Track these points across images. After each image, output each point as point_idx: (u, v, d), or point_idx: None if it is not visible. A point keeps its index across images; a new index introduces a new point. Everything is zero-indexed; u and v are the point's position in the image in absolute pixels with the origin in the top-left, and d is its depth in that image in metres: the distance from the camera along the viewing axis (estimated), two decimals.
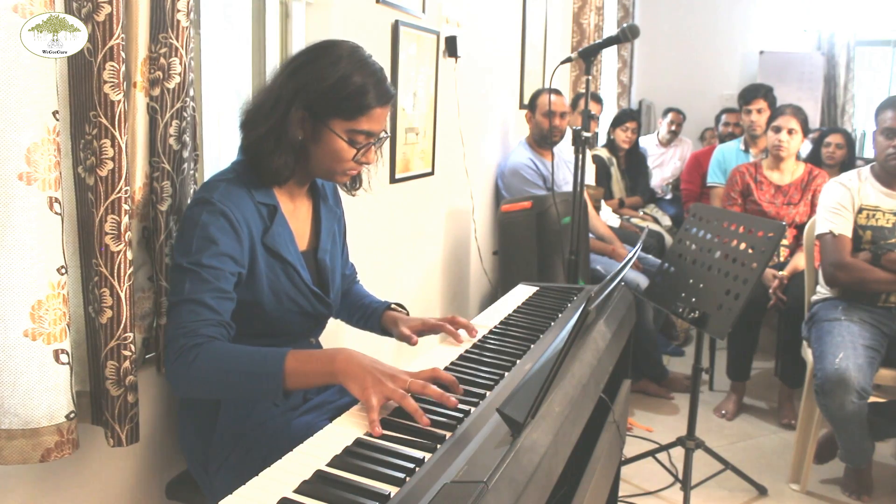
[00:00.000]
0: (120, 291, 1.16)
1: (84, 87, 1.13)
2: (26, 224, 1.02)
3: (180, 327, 1.18)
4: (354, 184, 1.48)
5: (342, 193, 1.55)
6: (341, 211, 1.57)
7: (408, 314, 1.61)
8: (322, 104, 1.27)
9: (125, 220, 1.16)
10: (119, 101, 1.12)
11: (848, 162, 3.96)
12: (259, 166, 1.31)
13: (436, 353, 1.37)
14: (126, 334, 1.18)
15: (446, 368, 1.28)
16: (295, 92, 1.27)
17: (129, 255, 1.18)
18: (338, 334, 2.02)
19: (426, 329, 1.52)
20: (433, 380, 1.13)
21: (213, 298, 1.20)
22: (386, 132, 1.38)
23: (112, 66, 1.11)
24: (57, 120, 1.05)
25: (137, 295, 1.31)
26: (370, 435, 1.01)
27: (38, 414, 1.08)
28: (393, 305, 1.60)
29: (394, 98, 1.36)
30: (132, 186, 1.26)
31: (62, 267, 1.08)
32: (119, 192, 1.14)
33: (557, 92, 3.30)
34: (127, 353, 1.19)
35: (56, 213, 1.06)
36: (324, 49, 1.31)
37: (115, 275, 1.16)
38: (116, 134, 1.12)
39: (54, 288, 1.07)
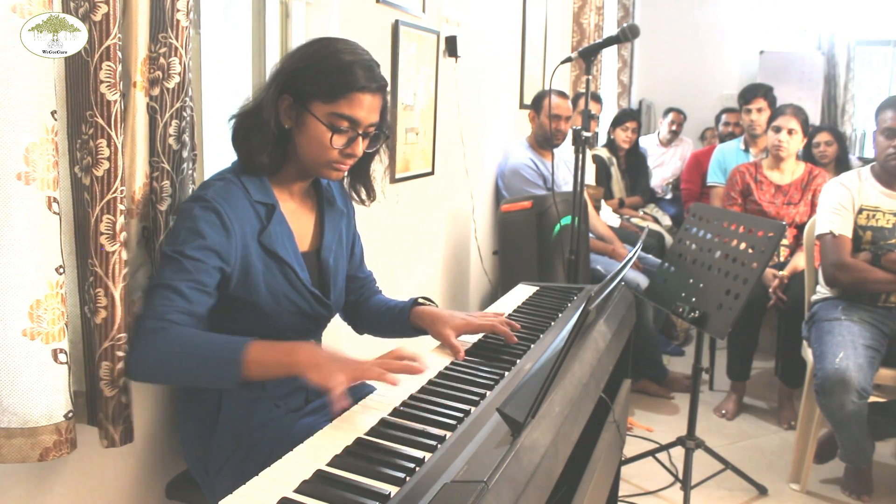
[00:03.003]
0: (114, 292, 1.16)
1: (81, 87, 1.12)
2: (25, 224, 1.02)
3: (149, 310, 1.17)
4: (369, 194, 1.46)
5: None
6: (352, 210, 1.53)
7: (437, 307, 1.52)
8: (304, 84, 1.26)
9: (121, 220, 1.16)
10: (115, 101, 1.12)
11: (842, 157, 3.95)
12: (237, 148, 1.31)
13: (436, 353, 1.37)
14: (120, 335, 1.18)
15: (446, 368, 1.28)
16: (278, 74, 1.28)
17: (125, 256, 1.18)
18: (338, 336, 2.02)
19: (471, 331, 1.43)
20: (397, 358, 1.17)
21: (189, 288, 1.18)
22: (381, 129, 1.34)
23: (108, 65, 1.11)
24: (55, 120, 1.05)
25: (137, 295, 1.30)
26: (370, 435, 1.01)
27: (36, 413, 1.08)
28: (420, 300, 1.51)
29: (384, 89, 1.31)
30: (132, 186, 1.26)
31: (60, 266, 1.08)
32: (115, 192, 1.14)
33: (563, 95, 3.29)
34: (121, 353, 1.19)
35: (54, 212, 1.06)
36: (315, 40, 1.32)
37: (110, 275, 1.15)
38: (112, 134, 1.12)
39: (52, 287, 1.07)
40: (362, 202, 1.48)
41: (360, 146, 1.31)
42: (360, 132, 1.29)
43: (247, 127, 1.29)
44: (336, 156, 1.29)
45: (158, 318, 1.16)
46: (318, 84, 1.25)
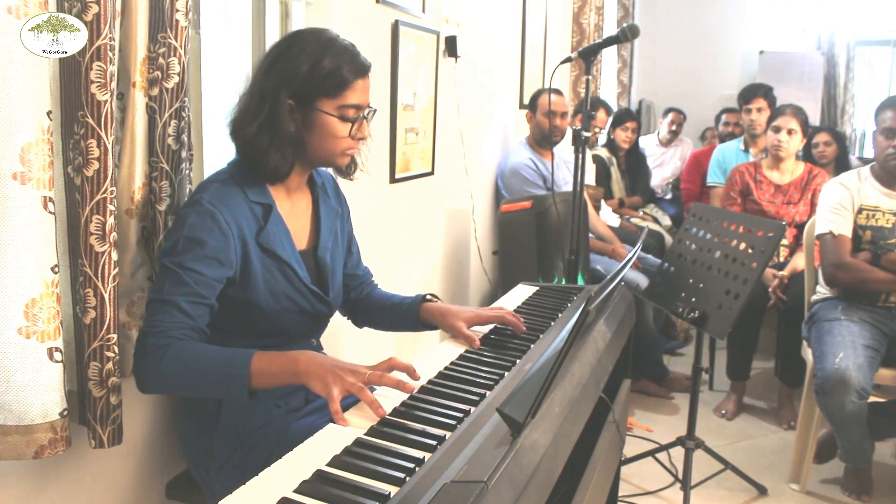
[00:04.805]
0: (104, 292, 1.15)
1: (73, 88, 1.12)
2: (21, 223, 1.02)
3: (152, 326, 1.19)
4: (350, 168, 1.46)
5: (344, 188, 1.54)
6: (346, 209, 1.55)
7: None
8: (305, 89, 1.28)
9: (111, 220, 1.15)
10: (105, 102, 1.11)
11: (841, 157, 3.95)
12: (257, 166, 1.30)
13: (436, 353, 1.37)
14: (109, 335, 1.17)
15: (446, 368, 1.28)
16: (276, 85, 1.28)
17: (115, 257, 1.17)
18: (338, 335, 2.02)
19: (480, 322, 1.47)
20: (390, 368, 1.18)
21: (189, 302, 1.20)
22: (371, 106, 1.38)
23: (99, 66, 1.10)
24: (51, 120, 1.05)
25: (137, 294, 1.30)
26: (370, 435, 1.01)
27: (32, 411, 1.08)
28: (428, 297, 1.55)
29: (370, 68, 1.35)
30: (131, 186, 1.25)
31: (55, 266, 1.08)
32: (104, 192, 1.13)
33: (558, 92, 3.30)
34: (110, 354, 1.18)
35: (50, 212, 1.06)
36: (289, 41, 1.32)
37: (99, 275, 1.15)
38: (102, 134, 1.11)
39: (48, 286, 1.07)
40: (347, 177, 1.48)
41: (367, 126, 1.36)
42: (364, 114, 1.35)
43: (265, 146, 1.28)
44: (350, 142, 1.34)
45: (160, 334, 1.17)
46: (321, 84, 1.28)
